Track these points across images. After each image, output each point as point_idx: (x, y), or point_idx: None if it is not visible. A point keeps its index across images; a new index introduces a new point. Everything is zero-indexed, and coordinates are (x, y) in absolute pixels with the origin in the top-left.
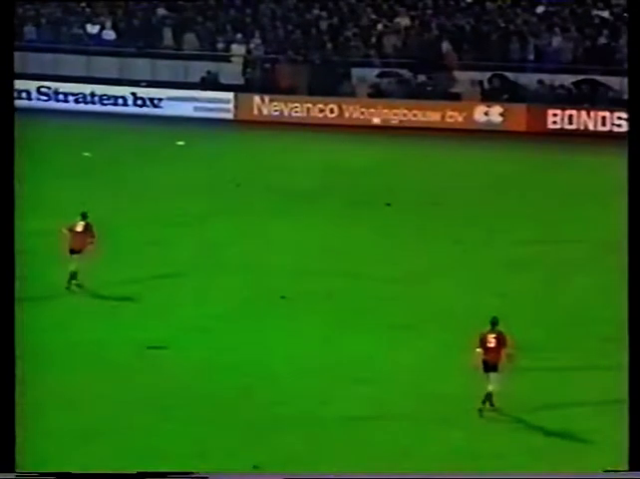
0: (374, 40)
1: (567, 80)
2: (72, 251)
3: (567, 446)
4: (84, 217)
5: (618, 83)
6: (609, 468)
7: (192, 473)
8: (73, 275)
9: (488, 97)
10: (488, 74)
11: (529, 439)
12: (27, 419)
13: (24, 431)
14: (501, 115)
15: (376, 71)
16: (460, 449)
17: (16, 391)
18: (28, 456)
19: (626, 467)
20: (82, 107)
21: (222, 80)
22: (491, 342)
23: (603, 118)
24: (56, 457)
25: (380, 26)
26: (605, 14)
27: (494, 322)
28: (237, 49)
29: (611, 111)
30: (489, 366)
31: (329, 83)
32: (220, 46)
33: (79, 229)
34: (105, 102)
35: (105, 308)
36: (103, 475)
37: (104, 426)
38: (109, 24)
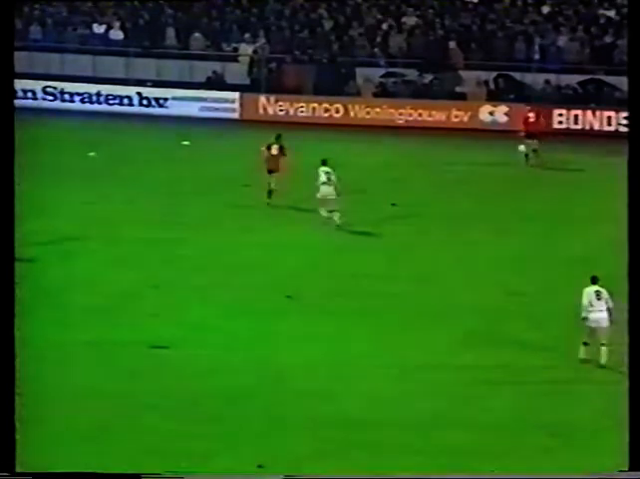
0: (379, 40)
1: (573, 80)
2: (269, 172)
3: (568, 445)
4: (277, 138)
5: (624, 83)
6: (609, 468)
7: (196, 473)
8: (269, 193)
9: (494, 97)
10: (494, 74)
11: (531, 439)
12: (27, 419)
13: (24, 431)
14: (507, 114)
15: (381, 71)
16: (461, 449)
17: (16, 391)
18: (28, 456)
19: (626, 467)
20: (88, 107)
21: (228, 80)
22: None
23: (609, 118)
24: (56, 457)
25: (385, 26)
26: (611, 14)
27: None
28: (243, 49)
29: (617, 111)
30: None
31: (335, 83)
32: (226, 46)
33: (274, 151)
34: (110, 102)
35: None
36: (103, 475)
37: (105, 426)
38: (115, 24)
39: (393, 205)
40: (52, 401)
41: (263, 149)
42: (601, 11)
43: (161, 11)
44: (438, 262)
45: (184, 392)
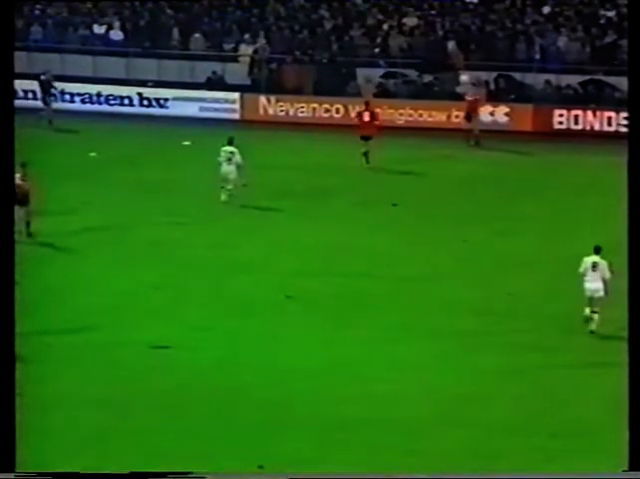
0: (380, 40)
1: (573, 80)
2: (362, 138)
3: (568, 446)
4: (367, 104)
5: (624, 83)
6: (609, 468)
7: (197, 473)
8: (365, 154)
9: (495, 97)
10: (495, 74)
11: (531, 439)
12: (27, 419)
13: (24, 431)
14: (507, 115)
15: (382, 71)
16: (461, 449)
17: (16, 391)
18: (28, 456)
19: (626, 467)
20: (88, 107)
21: (228, 80)
22: None
23: (609, 118)
24: (56, 457)
25: (386, 26)
26: (612, 14)
27: None
28: (243, 49)
29: (617, 111)
30: None
31: (335, 83)
32: (226, 46)
33: (366, 118)
34: (111, 102)
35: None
36: (103, 475)
37: (105, 425)
38: (115, 24)
39: (393, 205)
40: (52, 401)
41: (354, 115)
42: (601, 11)
43: (162, 11)
44: (438, 263)
45: (185, 392)
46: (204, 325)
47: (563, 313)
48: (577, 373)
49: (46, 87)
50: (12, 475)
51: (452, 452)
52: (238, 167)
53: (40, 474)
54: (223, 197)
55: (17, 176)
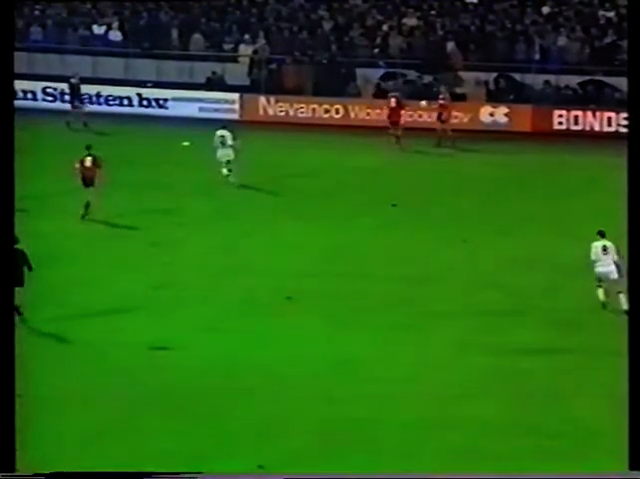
0: (380, 41)
1: (573, 80)
2: (392, 124)
3: (567, 446)
4: (395, 95)
5: (624, 84)
6: (609, 468)
7: (197, 473)
8: (397, 137)
9: (494, 97)
10: (494, 74)
11: (531, 439)
12: (27, 419)
13: (24, 431)
14: (507, 115)
15: (382, 71)
16: (461, 450)
17: (16, 392)
18: (28, 456)
19: (626, 467)
20: (88, 107)
21: (228, 80)
22: None
23: (609, 118)
24: (56, 457)
25: (386, 27)
26: (611, 15)
27: None
28: (243, 50)
29: (617, 111)
30: None
31: (335, 84)
32: (226, 47)
33: (393, 104)
34: (110, 102)
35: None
36: (103, 475)
37: (105, 426)
38: (115, 25)
39: (393, 205)
40: (52, 402)
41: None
42: (601, 12)
43: (161, 12)
44: (438, 263)
45: (184, 392)
46: (204, 325)
47: (563, 313)
48: (577, 373)
49: (76, 90)
50: (12, 475)
51: (451, 452)
52: (234, 149)
53: (40, 474)
54: (224, 171)
55: (88, 158)
